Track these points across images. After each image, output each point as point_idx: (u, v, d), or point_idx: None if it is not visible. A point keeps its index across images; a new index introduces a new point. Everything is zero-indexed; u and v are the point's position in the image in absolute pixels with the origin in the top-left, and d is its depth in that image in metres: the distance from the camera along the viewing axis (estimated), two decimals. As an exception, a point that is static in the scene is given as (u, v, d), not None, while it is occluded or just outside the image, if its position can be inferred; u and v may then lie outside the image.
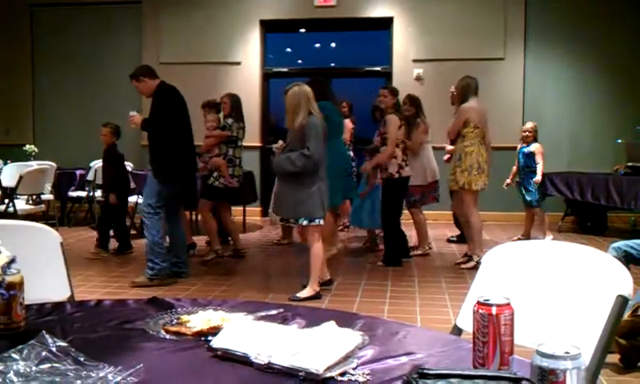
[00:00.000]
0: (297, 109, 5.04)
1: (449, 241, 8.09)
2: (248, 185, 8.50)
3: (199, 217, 7.80)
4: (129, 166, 8.04)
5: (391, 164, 6.42)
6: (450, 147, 6.72)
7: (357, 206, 7.14)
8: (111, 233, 7.18)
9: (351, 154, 8.25)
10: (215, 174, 6.72)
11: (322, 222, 5.14)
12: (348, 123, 8.16)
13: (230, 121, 6.88)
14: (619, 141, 8.94)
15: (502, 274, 1.91)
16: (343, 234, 8.36)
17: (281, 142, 6.09)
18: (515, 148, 8.06)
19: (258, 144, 10.10)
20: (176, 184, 5.77)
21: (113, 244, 7.21)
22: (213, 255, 6.78)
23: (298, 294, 5.19)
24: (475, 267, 1.92)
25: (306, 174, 5.00)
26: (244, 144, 7.18)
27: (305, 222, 5.09)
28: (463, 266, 6.48)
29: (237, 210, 8.83)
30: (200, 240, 7.60)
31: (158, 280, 5.65)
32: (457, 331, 1.84)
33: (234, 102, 7.01)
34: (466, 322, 1.78)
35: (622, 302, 1.59)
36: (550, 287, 1.79)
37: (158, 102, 5.69)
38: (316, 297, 5.22)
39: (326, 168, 5.17)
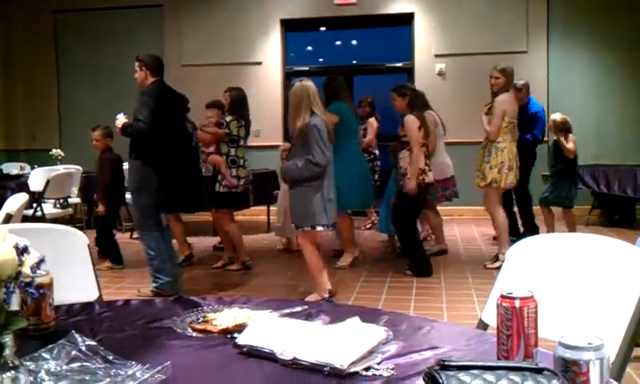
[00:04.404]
0: (298, 108, 4.72)
1: None
2: (271, 184, 8.52)
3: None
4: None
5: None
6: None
7: (384, 213, 6.69)
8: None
9: (376, 152, 8.21)
10: (219, 178, 6.20)
11: (323, 229, 4.82)
12: (373, 122, 8.09)
13: (228, 118, 6.25)
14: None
15: (527, 268, 1.90)
16: (369, 232, 8.31)
17: (287, 144, 5.85)
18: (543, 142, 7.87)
19: (281, 143, 10.10)
20: (152, 195, 5.13)
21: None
22: (239, 265, 6.35)
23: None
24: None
25: (311, 182, 4.70)
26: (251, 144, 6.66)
27: (307, 228, 4.78)
28: (490, 265, 6.16)
29: (260, 209, 8.86)
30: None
31: (162, 292, 5.03)
32: (482, 326, 1.83)
33: (236, 98, 6.34)
34: (492, 317, 1.76)
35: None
36: (576, 280, 1.78)
37: (140, 104, 5.21)
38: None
39: (333, 173, 4.83)
